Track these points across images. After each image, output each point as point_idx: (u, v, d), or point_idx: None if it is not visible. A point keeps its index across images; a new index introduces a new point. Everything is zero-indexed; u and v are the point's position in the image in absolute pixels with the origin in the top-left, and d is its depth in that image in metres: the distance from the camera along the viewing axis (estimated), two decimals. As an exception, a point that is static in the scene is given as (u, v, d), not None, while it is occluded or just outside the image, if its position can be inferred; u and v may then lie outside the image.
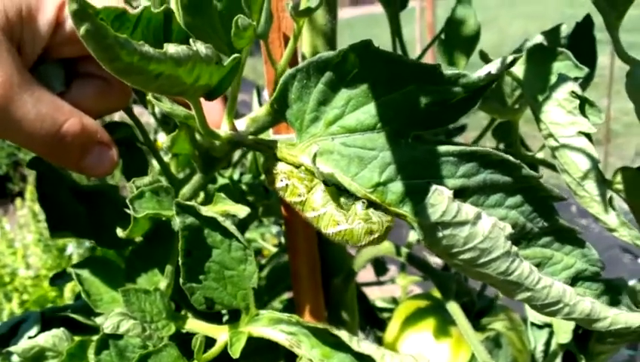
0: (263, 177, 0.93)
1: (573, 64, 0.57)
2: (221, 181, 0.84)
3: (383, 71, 0.36)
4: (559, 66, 0.57)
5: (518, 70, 0.58)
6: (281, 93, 0.39)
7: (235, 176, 0.87)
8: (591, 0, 0.51)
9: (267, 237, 1.55)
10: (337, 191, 0.39)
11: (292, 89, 0.39)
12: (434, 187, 0.36)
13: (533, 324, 0.80)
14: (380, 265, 1.05)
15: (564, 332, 0.74)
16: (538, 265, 0.38)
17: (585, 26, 0.72)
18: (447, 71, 0.34)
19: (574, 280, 0.39)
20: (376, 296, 1.14)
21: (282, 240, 1.22)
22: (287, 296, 1.00)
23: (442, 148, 0.36)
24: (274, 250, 1.04)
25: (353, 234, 0.40)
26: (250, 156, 0.93)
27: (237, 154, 0.99)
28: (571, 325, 0.73)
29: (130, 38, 0.31)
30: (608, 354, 0.78)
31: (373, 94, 0.37)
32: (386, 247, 0.72)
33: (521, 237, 0.38)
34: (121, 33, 0.30)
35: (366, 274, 1.15)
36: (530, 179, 0.36)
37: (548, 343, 0.79)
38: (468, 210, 0.35)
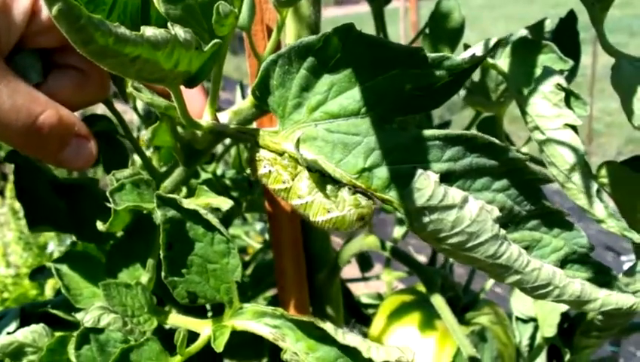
0: (246, 172, 0.93)
1: (558, 57, 0.57)
2: (204, 176, 0.83)
3: (366, 55, 0.35)
4: (544, 59, 0.57)
5: (503, 63, 0.58)
6: (262, 80, 0.38)
7: (219, 172, 0.87)
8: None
9: (251, 235, 1.54)
10: (321, 177, 0.39)
11: (274, 75, 0.38)
12: (420, 171, 0.35)
13: (518, 319, 0.80)
14: (365, 261, 1.05)
15: (548, 326, 0.74)
16: (527, 248, 0.38)
17: (568, 22, 0.72)
18: (431, 54, 0.34)
19: (563, 263, 0.39)
20: (361, 292, 1.14)
21: (267, 237, 1.21)
22: (271, 293, 1.00)
23: (428, 133, 0.35)
24: (258, 246, 1.03)
25: (345, 221, 0.39)
26: (233, 151, 0.93)
27: (220, 150, 0.98)
28: (556, 319, 0.73)
29: (106, 21, 0.30)
30: (593, 349, 0.78)
31: (357, 79, 0.36)
32: (372, 241, 0.71)
33: (508, 221, 0.38)
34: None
35: (351, 270, 1.14)
36: (517, 162, 0.36)
37: (533, 337, 0.79)
38: (454, 193, 0.35)
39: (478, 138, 0.35)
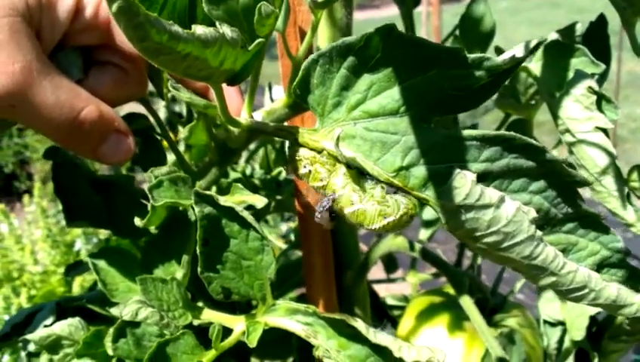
0: (274, 173, 0.94)
1: (590, 60, 0.57)
2: (233, 175, 0.84)
3: (406, 55, 0.36)
4: (576, 62, 0.57)
5: (535, 66, 0.58)
6: (303, 79, 0.39)
7: (247, 172, 0.88)
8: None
9: (274, 238, 1.55)
10: (359, 175, 0.39)
11: (314, 74, 0.39)
12: (457, 170, 0.36)
13: (546, 322, 0.80)
14: (390, 262, 1.05)
15: (577, 329, 0.74)
16: (563, 252, 0.38)
17: (599, 26, 0.72)
18: (471, 55, 0.34)
19: (599, 267, 0.39)
20: (383, 295, 1.14)
21: (292, 238, 1.22)
22: (295, 294, 1.00)
23: (465, 133, 0.36)
24: (283, 246, 1.04)
25: (366, 215, 0.40)
26: (261, 152, 0.94)
27: (246, 154, 0.99)
28: (585, 323, 0.73)
29: (158, 18, 0.31)
30: (620, 353, 0.78)
31: (396, 79, 0.37)
32: (400, 242, 0.72)
33: (545, 223, 0.38)
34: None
35: (375, 272, 1.15)
36: (555, 164, 0.36)
37: (561, 341, 0.79)
38: (491, 193, 0.35)
39: (516, 139, 0.35)
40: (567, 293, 0.38)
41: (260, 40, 0.38)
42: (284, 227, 1.31)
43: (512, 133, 0.35)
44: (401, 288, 1.14)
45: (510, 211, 0.35)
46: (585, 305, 0.38)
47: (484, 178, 0.36)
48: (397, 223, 0.40)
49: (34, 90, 0.42)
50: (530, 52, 0.33)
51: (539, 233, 0.36)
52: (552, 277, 0.37)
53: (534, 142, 0.35)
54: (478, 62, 0.34)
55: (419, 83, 0.36)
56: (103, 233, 2.41)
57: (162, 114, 1.03)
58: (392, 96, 0.37)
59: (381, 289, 1.29)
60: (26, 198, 3.05)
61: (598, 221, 0.38)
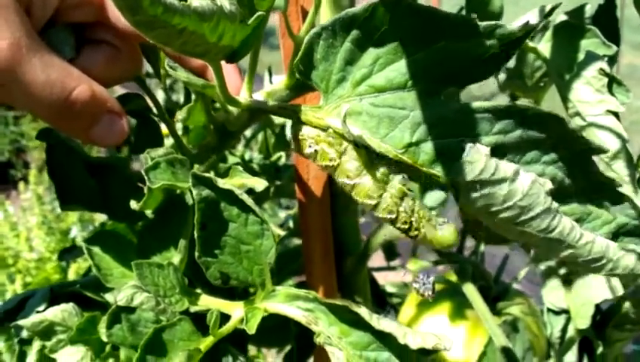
0: (274, 158, 0.92)
1: (602, 42, 0.55)
2: (232, 160, 0.82)
3: (414, 26, 0.34)
4: (587, 44, 0.55)
5: (544, 48, 0.56)
6: (305, 54, 0.37)
7: (246, 157, 0.86)
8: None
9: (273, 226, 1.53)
10: (370, 155, 0.38)
11: (317, 48, 0.37)
12: (469, 145, 0.34)
13: (549, 310, 0.78)
14: (390, 250, 1.04)
15: (582, 318, 0.72)
16: (577, 221, 0.37)
17: (608, 7, 0.70)
18: (482, 22, 0.33)
19: (615, 235, 0.38)
20: (382, 283, 1.13)
21: (291, 225, 1.20)
22: (293, 281, 0.99)
23: (476, 105, 0.34)
24: (283, 233, 1.03)
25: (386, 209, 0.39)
26: (260, 137, 0.92)
27: (245, 140, 0.98)
28: (590, 311, 0.72)
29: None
30: (625, 342, 0.77)
31: (404, 51, 0.35)
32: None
33: (559, 193, 0.36)
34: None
35: (375, 260, 1.13)
36: (570, 132, 0.34)
37: (564, 329, 0.78)
38: (506, 167, 0.34)
39: (529, 109, 0.34)
40: (585, 264, 0.37)
41: (259, 13, 0.36)
42: (282, 215, 1.29)
43: (526, 103, 0.34)
44: (400, 276, 1.12)
45: (526, 184, 0.34)
46: (603, 275, 0.36)
47: (496, 151, 0.35)
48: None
49: (23, 68, 0.40)
50: (545, 16, 0.31)
51: (555, 205, 0.35)
52: (570, 250, 0.36)
53: (549, 111, 0.34)
54: (490, 30, 0.33)
55: (427, 55, 0.35)
56: (99, 220, 2.40)
57: (160, 96, 1.02)
58: (400, 69, 0.36)
59: (380, 278, 1.28)
60: (21, 185, 3.03)
61: (612, 189, 0.37)
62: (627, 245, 0.38)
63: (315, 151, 0.39)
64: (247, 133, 0.97)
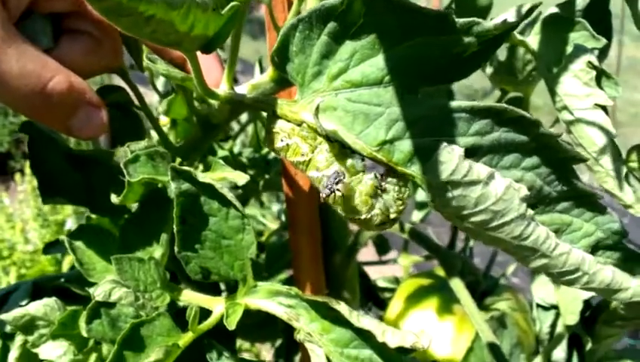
0: (263, 151, 0.91)
1: (590, 34, 0.54)
2: (221, 153, 0.82)
3: (392, 20, 0.33)
4: (575, 37, 0.54)
5: (532, 41, 0.56)
6: (281, 45, 0.37)
7: (236, 150, 0.85)
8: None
9: (268, 219, 1.53)
10: (342, 149, 0.37)
11: (294, 40, 0.36)
12: (444, 144, 0.33)
13: (539, 306, 0.78)
14: (382, 244, 1.03)
15: (571, 313, 0.72)
16: (556, 232, 0.36)
17: (600, 0, 0.69)
18: (460, 19, 0.32)
19: (594, 249, 0.37)
20: (375, 277, 1.12)
21: (283, 218, 1.20)
22: (286, 274, 0.99)
23: (454, 104, 0.33)
24: (275, 227, 1.02)
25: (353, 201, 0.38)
26: (250, 130, 0.91)
27: (237, 129, 0.97)
28: (579, 307, 0.71)
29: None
30: (615, 338, 0.76)
31: (381, 46, 0.34)
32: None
33: (537, 202, 0.35)
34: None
35: (367, 254, 1.13)
36: (549, 138, 0.34)
37: (554, 325, 0.77)
38: (480, 169, 0.33)
39: (507, 111, 0.33)
40: (560, 276, 0.36)
41: (233, 4, 0.35)
42: (275, 207, 1.29)
43: (504, 105, 0.33)
44: (394, 270, 1.12)
45: (500, 188, 0.33)
46: (578, 288, 0.36)
47: (473, 153, 0.34)
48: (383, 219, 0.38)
49: None
50: (522, 17, 0.30)
51: (530, 212, 0.34)
52: (544, 259, 0.35)
53: (527, 114, 0.33)
54: (467, 27, 0.32)
55: (405, 51, 0.34)
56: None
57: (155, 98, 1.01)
58: (377, 64, 0.35)
59: (374, 273, 1.28)
60: (17, 176, 3.03)
61: (594, 200, 0.36)
62: (606, 259, 0.37)
63: (287, 145, 0.39)
64: (236, 126, 0.96)
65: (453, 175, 0.33)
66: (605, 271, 0.36)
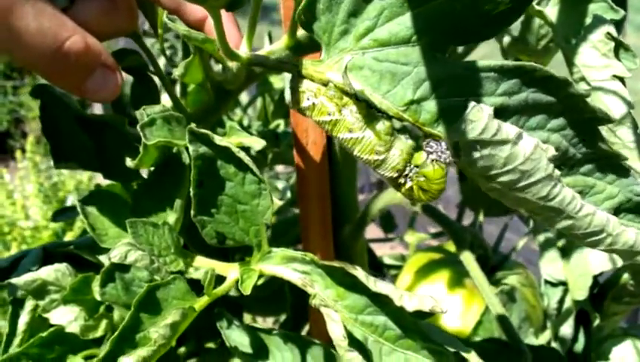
0: (272, 125, 0.91)
1: (609, 6, 0.54)
2: (230, 125, 0.81)
3: (421, -23, 0.33)
4: (594, 8, 0.54)
5: (551, 12, 0.55)
6: (308, 4, 0.36)
7: (245, 123, 0.85)
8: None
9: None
10: (370, 110, 0.37)
11: (320, -1, 0.36)
12: (472, 103, 0.33)
13: (547, 282, 0.78)
14: (388, 221, 1.03)
15: (579, 289, 0.72)
16: (579, 194, 0.36)
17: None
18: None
19: (617, 211, 0.37)
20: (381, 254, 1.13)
21: (288, 195, 1.20)
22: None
23: (482, 63, 0.33)
24: (280, 203, 1.02)
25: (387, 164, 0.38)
26: (259, 103, 0.91)
27: (245, 102, 0.97)
28: (588, 283, 0.71)
29: None
30: (621, 315, 0.76)
31: (409, 3, 0.34)
32: (400, 196, 0.69)
33: (562, 163, 0.35)
34: None
35: (373, 231, 1.13)
36: (576, 99, 0.33)
37: (561, 301, 0.77)
38: (509, 128, 0.33)
39: (537, 70, 0.33)
40: (584, 237, 0.35)
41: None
42: (280, 185, 1.29)
43: (533, 63, 0.32)
44: (395, 249, 1.12)
45: (528, 148, 0.33)
46: (602, 250, 0.35)
47: (500, 113, 0.34)
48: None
49: (15, 15, 0.39)
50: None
51: (557, 172, 0.34)
52: (569, 221, 0.35)
53: (556, 74, 0.33)
54: (498, -17, 0.31)
55: (433, 8, 0.33)
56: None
57: (161, 62, 1.00)
58: (405, 22, 0.34)
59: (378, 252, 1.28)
60: (18, 153, 3.02)
61: (618, 163, 0.36)
62: (628, 222, 0.37)
63: (313, 104, 0.38)
64: (245, 99, 0.95)
65: (482, 134, 0.32)
66: (629, 233, 0.36)
